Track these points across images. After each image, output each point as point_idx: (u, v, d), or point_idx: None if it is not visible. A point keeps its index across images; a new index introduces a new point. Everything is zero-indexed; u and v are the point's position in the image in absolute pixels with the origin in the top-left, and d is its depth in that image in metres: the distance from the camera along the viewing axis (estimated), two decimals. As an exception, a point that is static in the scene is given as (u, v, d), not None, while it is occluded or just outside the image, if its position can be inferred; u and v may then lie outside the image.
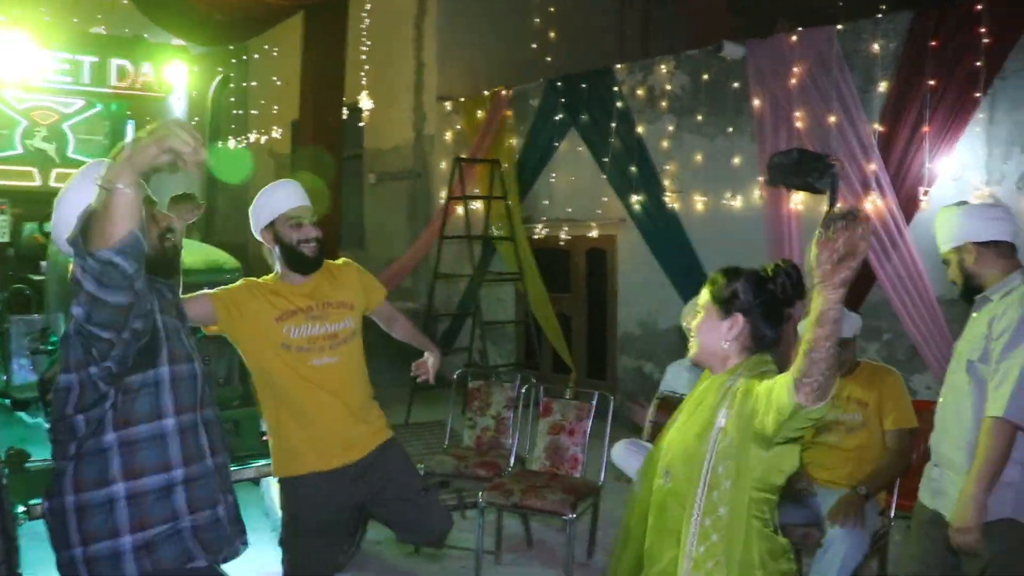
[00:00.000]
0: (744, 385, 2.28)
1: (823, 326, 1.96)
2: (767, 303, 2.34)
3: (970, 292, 3.11)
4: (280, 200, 3.24)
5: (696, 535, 2.27)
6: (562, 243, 8.72)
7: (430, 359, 3.72)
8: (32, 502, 3.79)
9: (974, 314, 3.09)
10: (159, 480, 2.26)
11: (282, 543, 3.38)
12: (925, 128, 5.93)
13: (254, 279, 3.32)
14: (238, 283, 3.31)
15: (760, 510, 2.27)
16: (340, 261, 3.53)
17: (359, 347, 3.39)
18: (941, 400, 3.16)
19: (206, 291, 3.18)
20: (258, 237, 3.28)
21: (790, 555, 2.36)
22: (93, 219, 2.00)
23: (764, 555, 2.27)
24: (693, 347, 2.46)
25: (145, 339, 2.22)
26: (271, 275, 3.33)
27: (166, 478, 2.27)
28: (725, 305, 2.36)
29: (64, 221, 2.23)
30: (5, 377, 5.30)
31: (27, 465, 4.06)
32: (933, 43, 5.90)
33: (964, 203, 3.25)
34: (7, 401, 5.19)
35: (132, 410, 2.25)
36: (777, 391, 2.10)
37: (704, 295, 2.44)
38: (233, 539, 2.45)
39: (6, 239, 5.86)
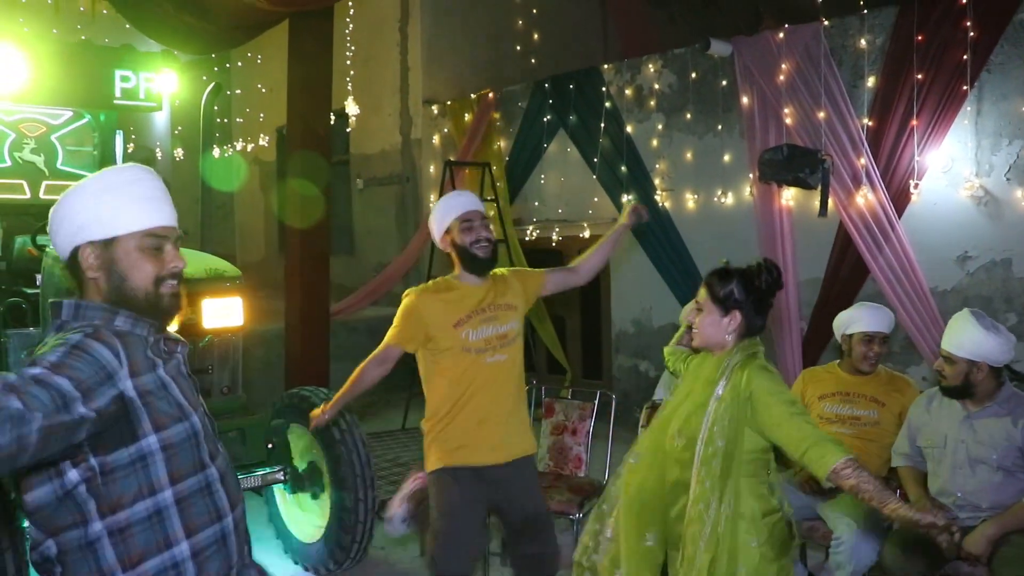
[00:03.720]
0: (740, 366, 2.78)
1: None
2: (757, 298, 2.83)
3: (959, 394, 3.65)
4: (454, 206, 3.53)
5: (695, 482, 2.76)
6: (554, 244, 8.74)
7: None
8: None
9: (971, 418, 3.64)
10: (162, 561, 1.89)
11: (433, 534, 3.57)
12: (914, 122, 5.98)
13: (425, 285, 3.61)
14: (407, 305, 3.53)
15: (753, 470, 2.76)
16: (504, 270, 3.77)
17: (521, 348, 3.67)
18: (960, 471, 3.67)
19: (388, 346, 3.54)
20: (439, 245, 3.61)
21: (782, 517, 2.82)
22: None
23: (756, 511, 2.74)
24: (696, 338, 2.94)
25: (110, 415, 1.79)
26: (449, 275, 3.63)
27: (169, 556, 1.90)
28: (724, 304, 2.84)
29: (66, 223, 1.94)
30: (3, 392, 5.25)
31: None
32: (919, 37, 5.95)
33: (983, 316, 3.64)
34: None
35: (119, 493, 1.85)
36: (809, 452, 2.60)
37: (703, 294, 2.89)
38: None
39: (-2, 253, 5.82)
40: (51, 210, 1.96)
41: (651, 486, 2.96)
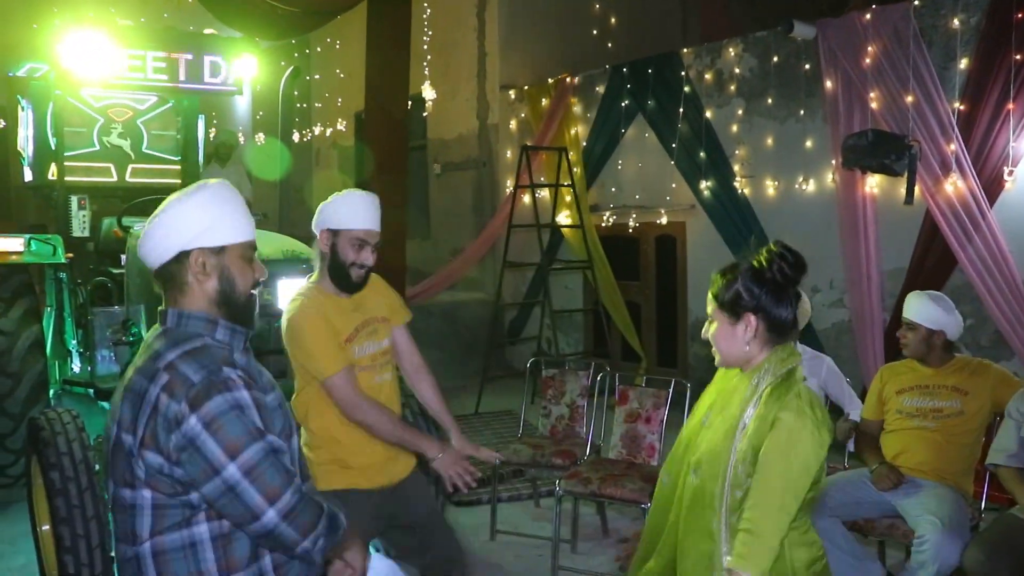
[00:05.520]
0: (775, 390, 2.25)
1: None
2: (772, 293, 2.30)
3: None
4: (357, 216, 3.10)
5: (727, 533, 2.24)
6: (631, 230, 8.65)
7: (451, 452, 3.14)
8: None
9: None
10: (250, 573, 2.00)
11: None
12: (1010, 105, 5.73)
13: (301, 304, 3.06)
14: (312, 323, 3.03)
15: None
16: (375, 277, 3.31)
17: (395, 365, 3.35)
18: None
19: (346, 370, 3.00)
20: (315, 231, 3.14)
21: (824, 560, 2.35)
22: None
23: (802, 561, 2.26)
24: (716, 357, 2.41)
25: None
26: (312, 280, 3.18)
27: (258, 568, 2.01)
28: (732, 309, 2.34)
29: (177, 228, 2.01)
30: (89, 368, 5.42)
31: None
32: (1018, 15, 5.69)
33: None
34: (91, 391, 5.32)
35: None
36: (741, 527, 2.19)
37: (710, 303, 2.40)
38: None
39: (86, 233, 6.00)
40: (153, 219, 2.03)
41: (661, 519, 2.49)
